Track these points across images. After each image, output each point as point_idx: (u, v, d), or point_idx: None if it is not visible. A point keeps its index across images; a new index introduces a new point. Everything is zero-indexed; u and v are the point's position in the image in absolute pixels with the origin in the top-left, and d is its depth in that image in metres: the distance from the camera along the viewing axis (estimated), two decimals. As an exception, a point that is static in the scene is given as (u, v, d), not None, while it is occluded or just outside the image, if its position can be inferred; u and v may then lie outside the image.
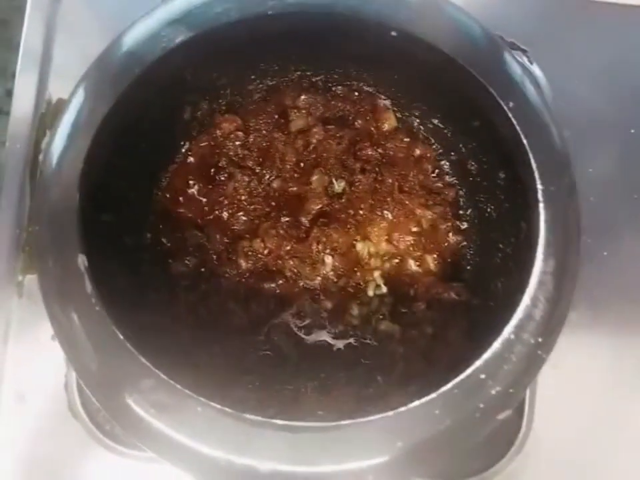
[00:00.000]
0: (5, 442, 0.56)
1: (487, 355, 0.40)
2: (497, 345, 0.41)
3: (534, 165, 0.43)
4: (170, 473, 0.55)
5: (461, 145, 0.58)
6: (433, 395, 0.40)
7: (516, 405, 0.41)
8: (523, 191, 0.46)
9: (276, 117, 0.61)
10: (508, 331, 0.41)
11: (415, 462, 0.41)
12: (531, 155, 0.43)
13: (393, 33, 0.46)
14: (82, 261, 0.43)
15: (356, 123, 0.61)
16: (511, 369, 0.41)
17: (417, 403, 0.40)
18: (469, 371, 0.40)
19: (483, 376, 0.40)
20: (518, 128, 0.44)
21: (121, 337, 0.41)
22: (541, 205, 0.43)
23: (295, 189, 0.59)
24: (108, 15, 0.63)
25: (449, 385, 0.40)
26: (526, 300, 0.42)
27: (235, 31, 0.47)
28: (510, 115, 0.44)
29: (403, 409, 0.40)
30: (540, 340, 0.41)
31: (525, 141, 0.44)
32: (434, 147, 0.61)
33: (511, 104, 0.44)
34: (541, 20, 0.65)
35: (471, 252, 0.59)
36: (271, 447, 0.40)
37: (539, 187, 0.43)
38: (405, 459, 0.40)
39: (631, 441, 0.57)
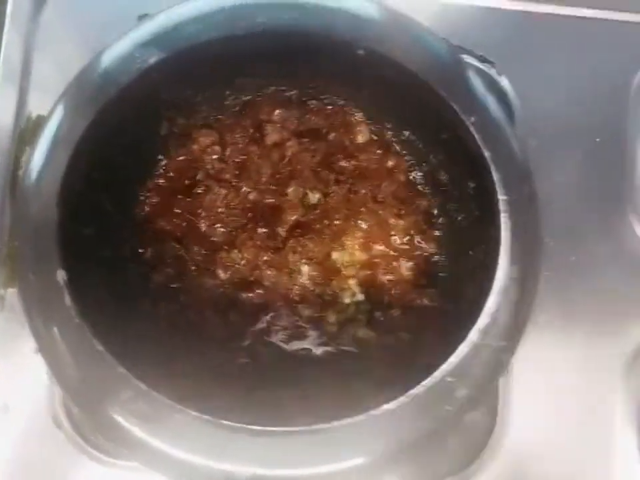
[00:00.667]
0: (-12, 453, 0.57)
1: (453, 358, 0.42)
2: (463, 348, 0.42)
3: (495, 177, 0.45)
4: (153, 482, 0.56)
5: (431, 157, 0.60)
6: (404, 398, 0.41)
7: (482, 406, 0.43)
8: (488, 200, 0.47)
9: (251, 130, 0.62)
10: (473, 335, 0.43)
11: (390, 463, 0.42)
12: (492, 167, 0.45)
13: (360, 52, 0.47)
14: (61, 275, 0.44)
15: (330, 136, 0.62)
16: (476, 371, 0.42)
17: (389, 406, 0.41)
18: (437, 374, 0.42)
19: (450, 379, 0.42)
20: (479, 142, 0.45)
21: (101, 348, 0.42)
22: (504, 214, 0.45)
23: (271, 200, 0.61)
24: (87, 32, 0.63)
25: (420, 388, 0.42)
26: (490, 305, 0.43)
27: (207, 50, 0.48)
28: (472, 129, 0.46)
29: (375, 412, 0.41)
30: (504, 343, 0.43)
31: (486, 154, 0.45)
32: (406, 158, 0.62)
33: (473, 119, 0.46)
34: (509, 33, 0.67)
35: (443, 259, 0.61)
36: (250, 452, 0.41)
37: (501, 197, 0.45)
38: (380, 460, 0.42)
39: (603, 438, 0.59)
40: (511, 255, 0.44)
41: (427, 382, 0.42)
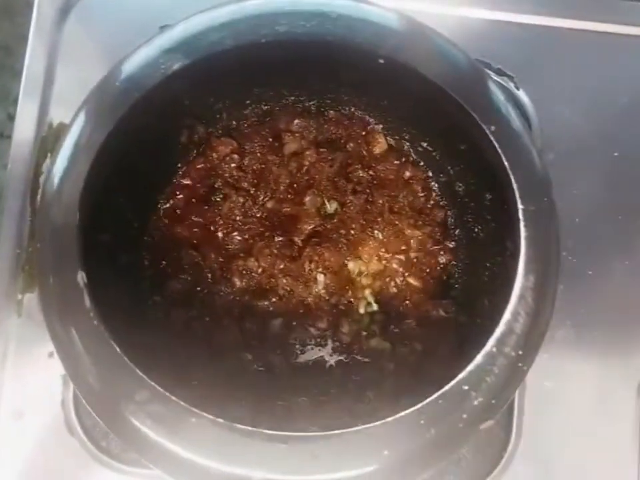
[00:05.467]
0: (2, 458, 0.57)
1: (469, 367, 0.42)
2: (479, 357, 0.42)
3: (515, 186, 0.45)
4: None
5: (449, 167, 0.60)
6: (418, 406, 0.41)
7: (498, 415, 0.42)
8: (506, 211, 0.47)
9: (270, 140, 0.63)
10: (490, 344, 0.42)
11: (402, 471, 0.42)
12: (512, 177, 0.45)
13: (381, 61, 0.48)
14: (81, 277, 0.44)
15: (348, 146, 0.63)
16: (493, 380, 0.42)
17: (402, 413, 0.41)
18: (452, 382, 0.42)
19: (466, 387, 0.42)
20: (499, 151, 0.45)
21: (119, 351, 0.43)
22: (522, 224, 0.45)
23: (288, 209, 0.61)
24: (107, 43, 0.65)
25: (434, 396, 0.41)
26: (507, 314, 0.43)
27: (230, 58, 0.48)
28: (492, 139, 0.46)
29: (389, 419, 0.41)
30: (521, 353, 0.43)
31: (506, 163, 0.45)
32: (423, 169, 0.62)
33: (493, 128, 0.46)
34: (528, 47, 0.67)
35: (459, 270, 0.61)
36: (263, 456, 0.41)
37: (520, 206, 0.45)
38: (393, 467, 0.41)
39: (615, 454, 0.58)
40: (528, 264, 0.44)
41: (443, 390, 0.41)
